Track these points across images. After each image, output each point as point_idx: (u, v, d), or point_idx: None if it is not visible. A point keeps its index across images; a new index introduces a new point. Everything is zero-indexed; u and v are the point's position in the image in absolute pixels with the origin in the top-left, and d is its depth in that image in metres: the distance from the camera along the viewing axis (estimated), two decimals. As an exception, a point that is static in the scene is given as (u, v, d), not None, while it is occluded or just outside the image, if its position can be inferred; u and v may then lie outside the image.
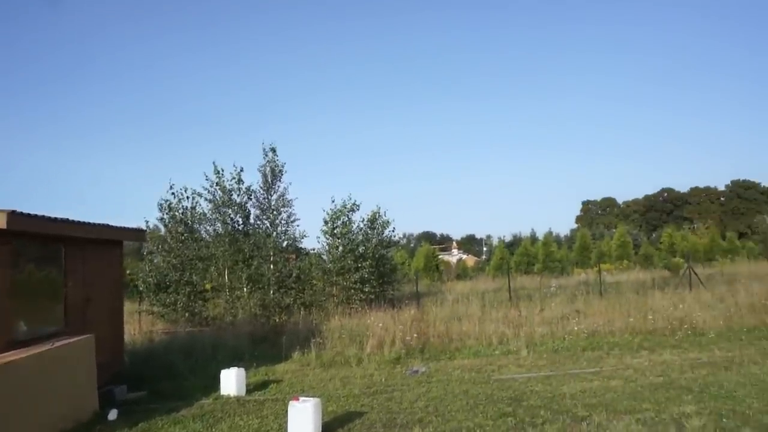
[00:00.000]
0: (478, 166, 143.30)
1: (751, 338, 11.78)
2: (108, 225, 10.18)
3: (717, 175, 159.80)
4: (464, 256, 77.87)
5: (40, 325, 8.43)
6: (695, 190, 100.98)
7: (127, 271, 21.48)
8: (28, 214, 7.64)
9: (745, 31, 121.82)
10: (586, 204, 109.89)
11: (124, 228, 10.88)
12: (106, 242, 10.33)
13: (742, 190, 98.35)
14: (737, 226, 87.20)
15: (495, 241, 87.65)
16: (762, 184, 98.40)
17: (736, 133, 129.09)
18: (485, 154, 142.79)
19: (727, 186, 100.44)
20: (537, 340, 12.27)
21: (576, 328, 12.80)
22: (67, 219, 8.85)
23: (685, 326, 12.67)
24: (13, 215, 7.19)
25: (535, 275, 35.89)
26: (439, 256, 50.31)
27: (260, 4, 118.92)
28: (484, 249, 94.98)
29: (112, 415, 7.86)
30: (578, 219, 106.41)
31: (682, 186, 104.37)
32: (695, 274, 20.53)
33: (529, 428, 6.50)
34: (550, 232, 52.40)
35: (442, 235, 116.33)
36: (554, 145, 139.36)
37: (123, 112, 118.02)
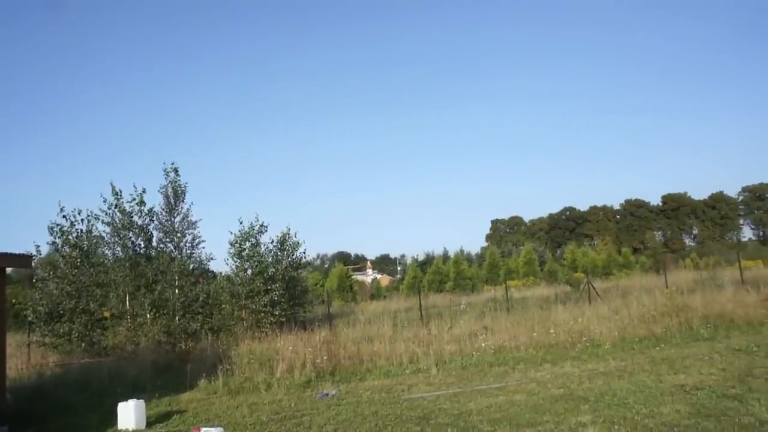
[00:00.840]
0: (391, 186, 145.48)
1: (641, 347, 12.52)
2: (-12, 251, 9.40)
3: (613, 194, 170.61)
4: (379, 276, 78.39)
5: None
6: (594, 209, 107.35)
7: (14, 300, 19.90)
8: None
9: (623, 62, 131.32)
10: (495, 222, 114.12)
11: (6, 254, 10.07)
12: (-13, 269, 9.52)
13: (635, 208, 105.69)
14: (631, 242, 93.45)
15: (409, 261, 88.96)
16: (651, 203, 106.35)
17: (628, 152, 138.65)
18: (399, 175, 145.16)
19: (621, 204, 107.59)
20: (446, 358, 12.45)
21: (483, 345, 13.11)
22: (-60, 245, 8.08)
23: (584, 338, 13.29)
24: None
25: (446, 293, 36.63)
26: (353, 277, 50.33)
27: (156, 13, 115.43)
28: (399, 268, 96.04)
29: (-9, 459, 7.19)
30: (488, 237, 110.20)
31: (583, 205, 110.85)
32: (594, 288, 21.70)
33: (435, 447, 6.53)
34: (461, 251, 54.05)
35: (356, 255, 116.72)
36: (465, 166, 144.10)
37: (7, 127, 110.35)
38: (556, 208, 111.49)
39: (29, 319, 16.95)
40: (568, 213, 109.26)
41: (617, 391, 8.53)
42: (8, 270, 10.86)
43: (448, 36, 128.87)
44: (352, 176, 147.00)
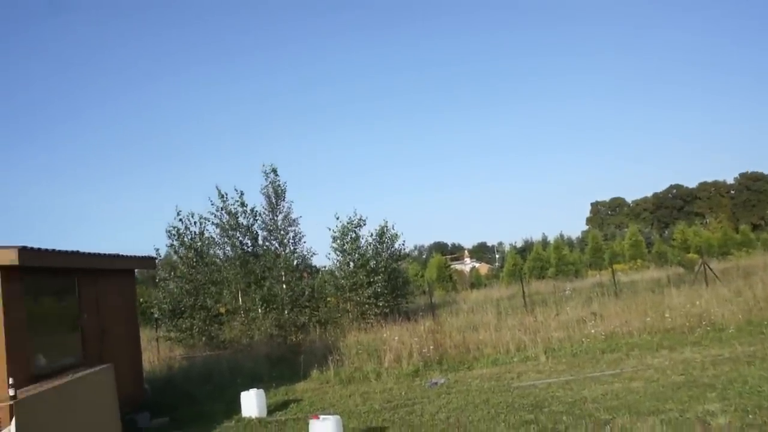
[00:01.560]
0: (485, 173, 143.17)
1: (772, 331, 11.61)
2: (118, 255, 10.26)
3: (725, 168, 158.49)
4: (477, 265, 77.60)
5: (58, 358, 8.45)
6: (704, 185, 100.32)
7: (142, 299, 21.60)
8: (38, 249, 7.71)
9: (747, 27, 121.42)
10: (595, 205, 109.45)
11: (134, 257, 10.95)
12: (117, 272, 10.39)
13: (751, 182, 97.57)
14: (750, 218, 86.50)
15: (507, 248, 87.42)
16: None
17: (741, 126, 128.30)
18: (491, 161, 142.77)
19: (735, 179, 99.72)
20: (555, 345, 12.18)
21: (593, 331, 12.68)
22: (78, 251, 8.92)
23: (704, 323, 12.51)
24: (24, 251, 7.25)
25: (548, 279, 35.73)
26: (452, 266, 50.23)
27: (255, 21, 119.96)
28: (497, 256, 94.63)
29: (135, 443, 7.87)
30: (588, 220, 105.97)
31: (691, 181, 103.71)
32: (710, 269, 20.35)
33: (552, 435, 6.43)
34: (561, 236, 52.42)
35: (453, 245, 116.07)
36: (560, 148, 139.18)
37: (122, 142, 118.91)
38: (661, 187, 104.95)
39: (155, 316, 18.36)
40: (674, 191, 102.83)
41: (748, 379, 7.96)
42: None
43: (555, 20, 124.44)
44: (445, 166, 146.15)
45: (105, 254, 9.70)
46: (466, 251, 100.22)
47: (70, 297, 9.00)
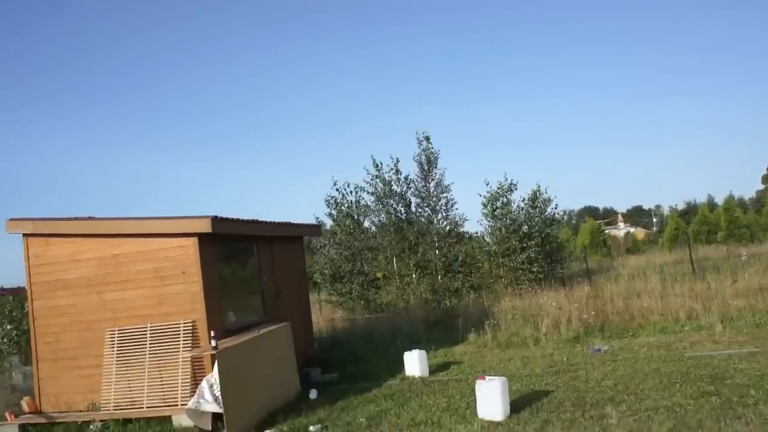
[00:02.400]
0: (640, 132, 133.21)
1: None
2: (290, 222, 11.11)
3: None
4: (632, 230, 73.11)
5: (245, 315, 9.44)
6: None
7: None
8: (226, 217, 8.59)
9: None
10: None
11: (303, 224, 11.80)
12: (289, 238, 11.27)
13: None
14: None
15: (666, 211, 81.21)
16: None
17: None
18: (645, 124, 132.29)
19: None
20: (733, 315, 11.22)
21: (780, 300, 11.51)
22: (257, 219, 9.81)
23: None
24: (215, 220, 8.14)
25: (718, 245, 32.72)
26: (605, 231, 47.75)
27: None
28: (654, 220, 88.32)
29: (313, 394, 8.62)
30: (765, 179, 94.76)
31: None
32: None
33: (739, 408, 6.02)
34: (731, 196, 47.36)
35: (605, 209, 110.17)
36: (728, 104, 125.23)
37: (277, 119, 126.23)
38: None
39: (317, 281, 19.66)
40: None
41: None
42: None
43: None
44: (597, 127, 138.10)
45: (279, 222, 10.56)
46: (619, 215, 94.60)
47: (251, 261, 9.97)
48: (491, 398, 6.65)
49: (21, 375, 10.58)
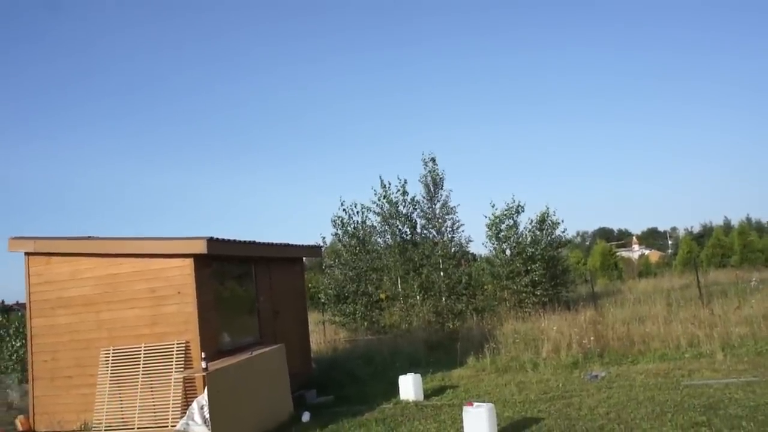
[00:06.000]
0: (657, 155, 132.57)
1: None
2: (288, 244, 11.19)
3: None
4: (647, 252, 72.41)
5: (240, 336, 9.50)
6: None
7: (310, 284, 23.21)
8: (222, 239, 8.70)
9: None
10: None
11: (302, 246, 11.87)
12: (287, 259, 11.35)
13: None
14: None
15: (681, 233, 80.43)
16: None
17: None
18: (663, 140, 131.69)
19: None
20: (735, 342, 11.07)
21: (784, 328, 11.34)
22: (255, 241, 9.90)
23: None
24: (211, 241, 8.25)
25: (731, 269, 32.28)
26: (618, 253, 47.37)
27: (411, 14, 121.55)
28: (669, 242, 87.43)
29: (306, 417, 8.62)
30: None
31: None
32: None
33: (726, 439, 5.93)
34: (748, 219, 46.93)
35: (620, 231, 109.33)
36: (744, 125, 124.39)
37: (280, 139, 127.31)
38: None
39: (322, 300, 19.70)
40: None
41: None
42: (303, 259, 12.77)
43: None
44: (612, 149, 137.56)
45: (277, 243, 10.65)
46: (634, 237, 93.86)
47: (249, 282, 10.04)
48: (478, 425, 6.61)
49: (18, 393, 10.70)
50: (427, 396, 9.70)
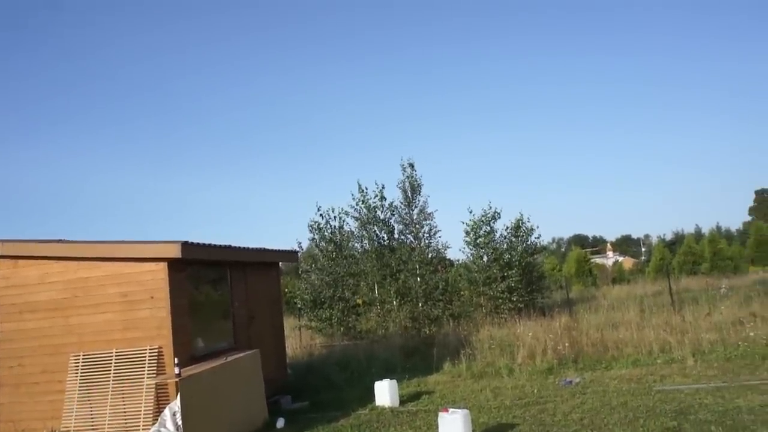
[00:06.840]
0: (630, 162, 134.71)
1: None
2: (264, 249, 11.09)
3: None
4: (621, 259, 73.49)
5: (214, 342, 9.37)
6: None
7: (287, 289, 23.06)
8: (197, 243, 8.58)
9: None
10: (761, 193, 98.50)
11: (278, 250, 11.77)
12: (263, 264, 11.24)
13: None
14: None
15: (654, 241, 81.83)
16: None
17: None
18: (636, 148, 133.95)
19: None
20: (705, 348, 11.26)
21: (752, 334, 11.54)
22: (230, 245, 9.78)
23: None
24: (185, 245, 8.12)
25: (702, 276, 32.93)
26: (592, 260, 47.98)
27: (392, 19, 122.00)
28: (643, 249, 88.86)
29: (280, 423, 8.53)
30: (752, 210, 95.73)
31: None
32: None
33: (696, 444, 6.02)
34: (718, 227, 48.06)
35: (594, 238, 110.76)
36: (718, 133, 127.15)
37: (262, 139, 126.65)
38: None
39: (298, 305, 19.57)
40: None
41: None
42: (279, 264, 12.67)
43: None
44: (588, 156, 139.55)
45: (253, 248, 10.54)
46: (608, 244, 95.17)
47: (224, 286, 9.93)
48: (453, 431, 6.61)
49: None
50: (402, 402, 9.68)
